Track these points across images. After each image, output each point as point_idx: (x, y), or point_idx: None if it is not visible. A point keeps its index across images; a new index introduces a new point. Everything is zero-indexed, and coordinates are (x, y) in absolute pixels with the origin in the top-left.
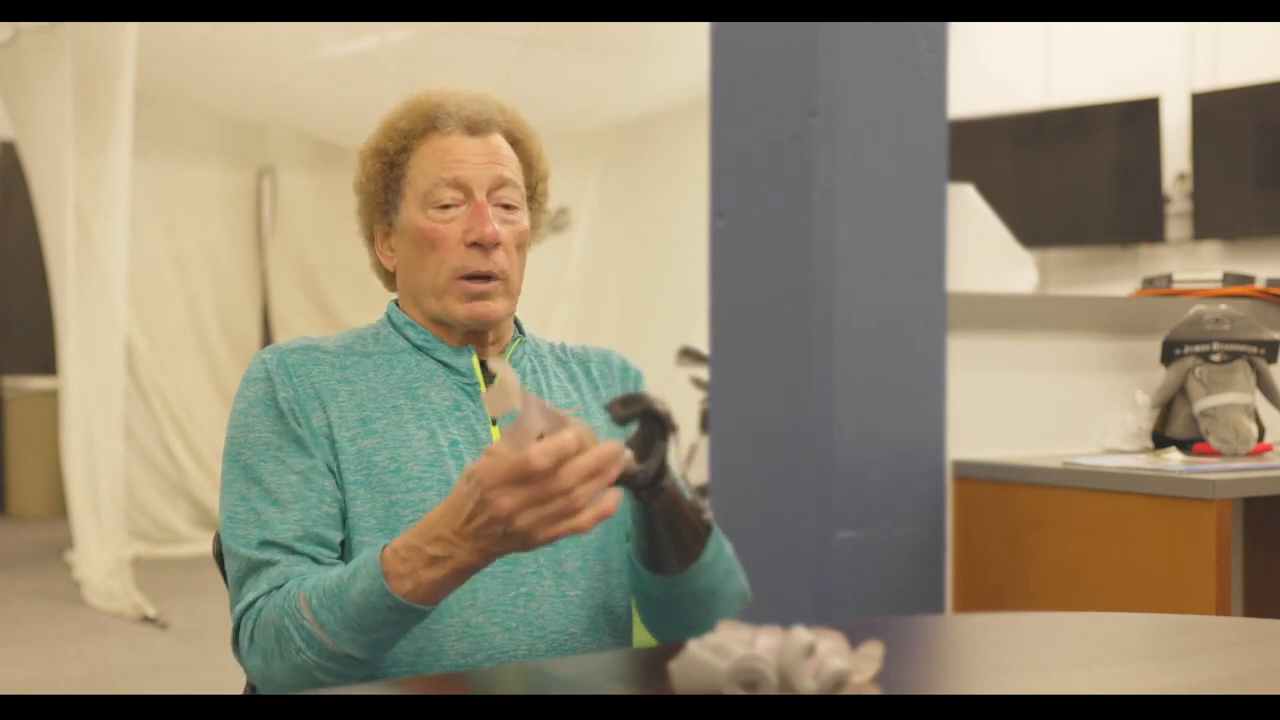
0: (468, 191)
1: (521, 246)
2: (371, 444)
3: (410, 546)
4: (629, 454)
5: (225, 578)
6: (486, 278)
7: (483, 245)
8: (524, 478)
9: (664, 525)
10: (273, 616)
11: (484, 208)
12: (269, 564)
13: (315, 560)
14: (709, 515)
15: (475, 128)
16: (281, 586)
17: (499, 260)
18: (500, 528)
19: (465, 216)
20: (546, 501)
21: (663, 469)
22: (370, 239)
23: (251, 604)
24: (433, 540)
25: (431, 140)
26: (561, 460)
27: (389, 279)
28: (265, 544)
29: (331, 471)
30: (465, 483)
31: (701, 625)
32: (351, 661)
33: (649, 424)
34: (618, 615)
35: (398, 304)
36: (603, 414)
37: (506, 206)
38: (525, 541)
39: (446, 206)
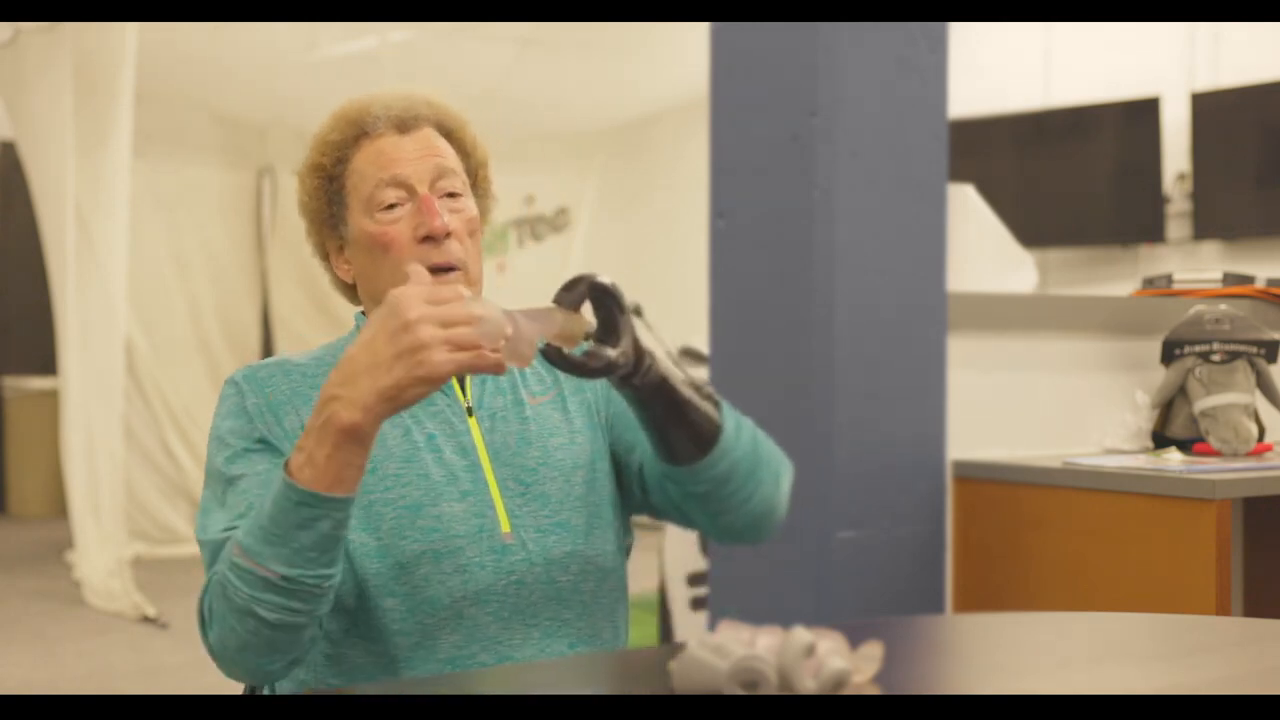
0: (409, 188)
1: (474, 233)
2: None
3: (303, 433)
4: (608, 349)
5: None
6: (445, 269)
7: (434, 238)
8: (441, 298)
9: (666, 407)
10: (216, 577)
11: (429, 200)
12: (228, 541)
13: None
14: (709, 388)
15: (404, 125)
16: None
17: (454, 251)
18: (396, 321)
19: (411, 214)
20: (449, 319)
21: (639, 346)
22: (324, 257)
23: (209, 581)
24: (319, 406)
25: (364, 146)
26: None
27: (350, 293)
28: (228, 528)
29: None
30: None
31: (759, 498)
32: (284, 585)
33: (602, 303)
34: (611, 600)
35: (364, 313)
36: (580, 403)
37: (451, 195)
38: (411, 352)
39: (391, 207)
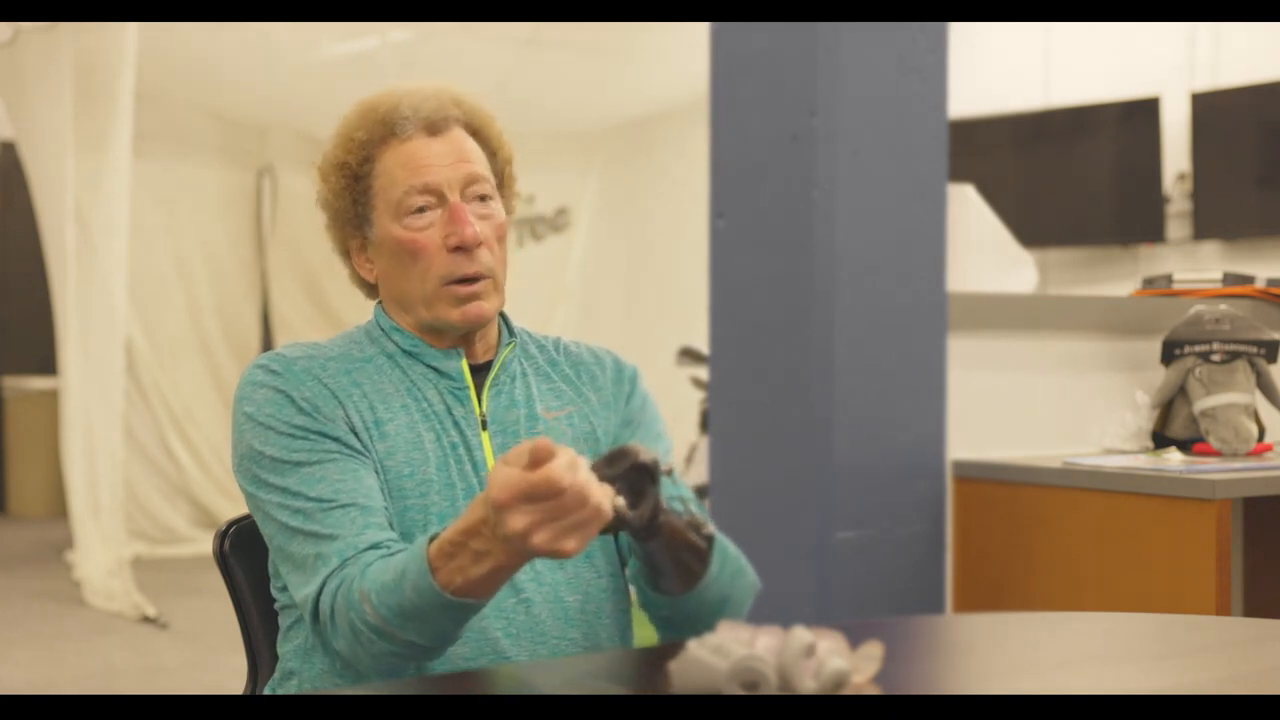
0: (439, 195)
1: (501, 239)
2: (385, 448)
3: (455, 543)
4: (621, 501)
5: (228, 580)
6: (474, 279)
7: (465, 248)
8: (533, 496)
9: (664, 556)
10: (343, 609)
11: (460, 209)
12: (330, 538)
13: (377, 522)
14: (709, 529)
15: (435, 127)
16: (351, 560)
17: (484, 260)
18: (519, 543)
19: (442, 221)
20: (560, 517)
21: (655, 511)
22: (345, 253)
23: (324, 583)
24: (475, 535)
25: (393, 147)
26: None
27: (370, 290)
28: (326, 507)
29: (358, 451)
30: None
31: (707, 626)
32: (423, 649)
33: (638, 477)
34: (616, 618)
35: (384, 309)
36: (595, 414)
37: (481, 199)
38: (552, 554)
39: (421, 211)
